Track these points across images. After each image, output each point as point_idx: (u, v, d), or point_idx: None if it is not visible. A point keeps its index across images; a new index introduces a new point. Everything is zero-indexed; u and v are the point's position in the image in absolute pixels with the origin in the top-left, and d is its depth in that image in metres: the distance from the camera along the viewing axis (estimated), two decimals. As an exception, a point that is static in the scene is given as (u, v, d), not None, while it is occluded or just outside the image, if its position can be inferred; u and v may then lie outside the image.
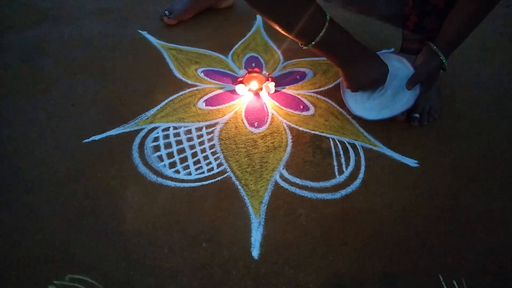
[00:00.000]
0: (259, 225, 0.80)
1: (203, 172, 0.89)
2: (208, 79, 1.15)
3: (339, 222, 0.80)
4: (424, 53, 0.94)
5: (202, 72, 1.18)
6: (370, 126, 1.00)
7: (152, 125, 1.00)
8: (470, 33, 0.90)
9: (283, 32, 0.86)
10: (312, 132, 0.99)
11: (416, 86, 0.93)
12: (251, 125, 1.00)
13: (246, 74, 1.12)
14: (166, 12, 1.38)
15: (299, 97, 1.09)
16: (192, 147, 0.95)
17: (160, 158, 0.92)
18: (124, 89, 1.12)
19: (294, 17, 0.81)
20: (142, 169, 0.90)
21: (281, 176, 0.89)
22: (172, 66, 1.20)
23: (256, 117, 1.03)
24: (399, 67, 0.98)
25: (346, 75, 0.95)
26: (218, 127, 1.00)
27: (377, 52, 1.03)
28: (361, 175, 0.89)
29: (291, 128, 1.00)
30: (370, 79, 0.94)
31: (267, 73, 1.13)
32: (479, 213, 0.82)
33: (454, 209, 0.83)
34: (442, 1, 0.88)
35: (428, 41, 0.92)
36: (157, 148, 0.94)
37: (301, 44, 0.89)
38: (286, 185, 0.87)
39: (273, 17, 0.82)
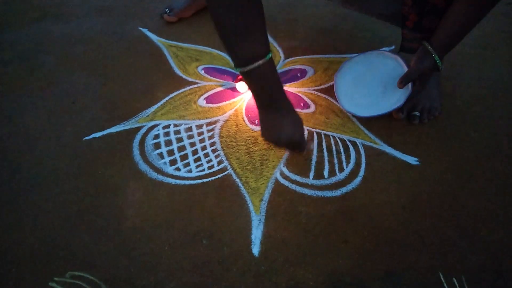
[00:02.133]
0: (259, 222, 0.80)
1: (203, 170, 0.89)
2: (209, 76, 1.15)
3: (340, 219, 0.80)
4: (418, 52, 0.93)
5: (202, 69, 1.18)
6: (371, 124, 1.00)
7: (153, 123, 1.00)
8: (466, 35, 0.89)
9: (222, 41, 0.77)
10: (313, 129, 0.99)
11: (408, 85, 0.93)
12: (252, 122, 1.00)
13: (246, 71, 1.12)
14: (167, 10, 1.38)
15: (300, 94, 1.09)
16: (192, 144, 0.95)
17: (161, 155, 0.92)
18: (125, 86, 1.12)
19: (239, 34, 0.73)
20: (143, 166, 0.90)
21: (282, 174, 0.89)
22: (172, 63, 1.20)
23: (257, 114, 1.02)
24: (393, 66, 0.98)
25: (261, 120, 0.86)
26: (218, 125, 1.00)
27: (377, 50, 1.03)
28: (361, 173, 0.89)
29: (291, 126, 1.00)
30: (278, 136, 0.83)
31: (268, 71, 1.12)
32: (479, 211, 0.82)
33: (454, 207, 0.83)
34: (442, 0, 0.87)
35: (423, 41, 0.92)
36: (157, 146, 0.94)
37: (232, 63, 0.80)
38: (286, 183, 0.87)
39: (222, 21, 0.73)
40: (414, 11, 0.93)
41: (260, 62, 0.74)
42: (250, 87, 0.82)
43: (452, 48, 0.92)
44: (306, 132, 0.98)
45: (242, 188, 0.86)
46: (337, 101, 1.05)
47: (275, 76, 0.80)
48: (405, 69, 0.95)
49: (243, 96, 1.08)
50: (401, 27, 0.98)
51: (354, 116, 1.02)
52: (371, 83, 1.01)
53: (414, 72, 0.92)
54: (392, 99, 0.97)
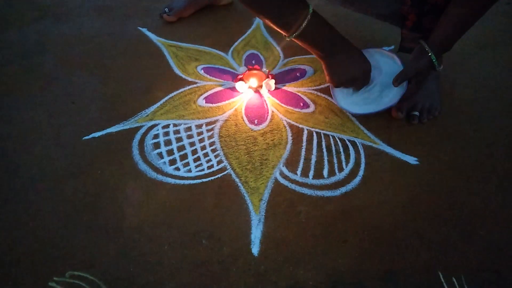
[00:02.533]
0: (259, 222, 0.80)
1: (203, 170, 0.89)
2: (208, 76, 1.15)
3: (339, 219, 0.80)
4: (415, 51, 0.93)
5: (202, 69, 1.18)
6: (370, 123, 1.00)
7: (152, 122, 1.00)
8: (463, 34, 0.90)
9: (266, 22, 0.87)
10: (312, 129, 0.99)
11: (403, 83, 0.93)
12: (251, 122, 1.00)
13: (246, 71, 1.12)
14: (166, 9, 1.38)
15: (299, 94, 1.09)
16: (192, 144, 0.95)
17: (160, 155, 0.92)
18: (124, 86, 1.12)
19: (277, 7, 0.82)
20: (142, 166, 0.90)
21: (281, 174, 0.89)
22: (172, 63, 1.20)
23: (256, 114, 1.03)
24: (389, 64, 0.99)
25: (328, 68, 0.94)
26: (218, 125, 1.00)
27: (374, 49, 1.04)
28: (361, 173, 0.89)
29: (291, 126, 1.00)
30: (351, 74, 0.93)
31: (267, 71, 1.13)
32: (479, 211, 0.82)
33: (453, 206, 0.83)
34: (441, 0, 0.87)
35: (421, 40, 0.92)
36: (157, 145, 0.94)
37: (284, 35, 0.89)
38: (286, 183, 0.87)
39: (256, 6, 0.83)
40: (413, 11, 0.93)
41: (309, 17, 0.83)
42: (309, 45, 0.89)
43: (449, 48, 0.92)
44: (305, 131, 0.98)
45: (241, 187, 0.86)
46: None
47: (326, 23, 0.88)
48: (401, 67, 0.95)
49: (243, 96, 1.08)
50: (401, 27, 0.98)
51: (349, 113, 1.02)
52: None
53: (410, 71, 0.92)
54: (387, 97, 0.97)
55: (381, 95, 0.98)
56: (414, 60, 0.92)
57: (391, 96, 0.96)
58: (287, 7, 0.82)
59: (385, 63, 0.99)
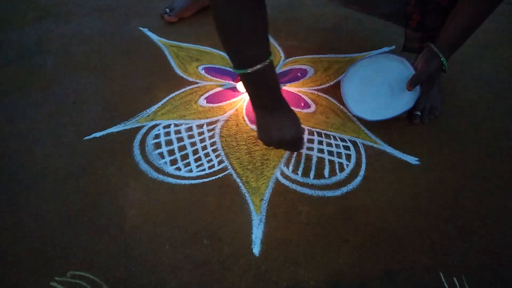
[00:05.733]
0: (260, 222, 0.80)
1: (204, 169, 0.89)
2: (209, 76, 1.15)
3: (340, 219, 0.80)
4: (424, 54, 0.93)
5: (203, 69, 1.18)
6: (371, 123, 1.00)
7: (153, 122, 1.00)
8: (471, 34, 0.90)
9: (221, 40, 0.76)
10: (313, 129, 0.99)
11: (416, 87, 0.93)
12: (252, 122, 1.00)
13: (247, 71, 1.12)
14: (167, 10, 1.38)
15: (300, 94, 1.09)
16: (193, 144, 0.95)
17: (161, 155, 0.92)
18: (125, 86, 1.12)
19: (241, 32, 0.73)
20: (143, 166, 0.90)
21: (282, 173, 0.89)
22: (173, 63, 1.20)
23: (257, 114, 1.03)
24: (400, 68, 0.98)
25: (259, 123, 0.84)
26: (219, 124, 1.00)
27: (379, 50, 1.03)
28: (362, 173, 0.89)
29: (292, 126, 1.00)
30: (280, 136, 0.82)
31: (268, 71, 1.12)
32: (480, 211, 0.82)
33: (454, 207, 0.83)
34: None
35: (428, 42, 0.92)
36: (158, 145, 0.94)
37: (232, 65, 0.79)
38: (287, 182, 0.87)
39: (223, 20, 0.73)
40: (417, 10, 0.92)
41: (262, 64, 0.74)
42: (249, 89, 0.81)
43: (457, 49, 0.92)
44: (306, 132, 0.98)
45: (242, 187, 0.86)
46: (339, 102, 1.05)
47: (275, 78, 0.79)
48: (412, 71, 0.95)
49: (244, 96, 1.08)
50: (404, 27, 0.98)
51: (363, 120, 1.01)
52: (379, 87, 1.01)
53: (423, 75, 0.92)
54: (401, 102, 0.96)
55: (395, 100, 0.98)
56: (425, 64, 0.92)
57: (406, 101, 0.96)
58: (253, 39, 0.73)
59: (394, 67, 0.99)
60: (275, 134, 0.82)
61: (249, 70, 0.74)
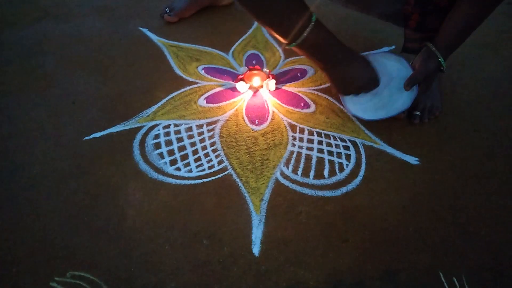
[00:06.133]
0: (259, 222, 0.80)
1: (204, 170, 0.89)
2: (209, 76, 1.15)
3: (340, 219, 0.80)
4: (422, 54, 0.93)
5: (202, 69, 1.18)
6: (371, 123, 1.00)
7: (153, 123, 1.00)
8: (470, 35, 0.89)
9: (266, 28, 0.84)
10: (313, 129, 0.99)
11: (413, 87, 0.93)
12: (252, 122, 1.01)
13: (246, 71, 1.12)
14: (167, 10, 1.38)
15: (300, 94, 1.09)
16: (193, 144, 0.95)
17: (161, 155, 0.92)
18: (125, 86, 1.12)
19: (278, 13, 0.78)
20: (143, 166, 0.90)
21: (282, 174, 0.89)
22: (172, 63, 1.20)
23: (257, 114, 1.03)
24: (398, 68, 0.98)
25: (333, 79, 0.91)
26: (219, 125, 1.00)
27: (379, 50, 1.03)
28: (361, 173, 0.89)
29: (291, 126, 1.00)
30: (357, 83, 0.90)
31: (268, 71, 1.13)
32: (480, 210, 0.82)
33: (454, 206, 0.83)
34: None
35: (427, 42, 0.92)
36: (158, 146, 0.94)
37: (285, 43, 0.84)
38: (286, 183, 0.87)
39: (256, 10, 0.80)
40: (416, 11, 0.92)
41: (312, 25, 0.79)
42: (311, 54, 0.86)
43: (455, 49, 0.92)
44: (306, 131, 0.98)
45: (242, 188, 0.86)
46: (338, 102, 1.05)
47: (328, 32, 0.84)
48: (410, 70, 0.95)
49: (243, 96, 1.08)
50: (404, 27, 0.98)
51: (352, 115, 1.02)
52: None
53: (420, 75, 0.91)
54: (398, 102, 0.96)
55: (392, 99, 0.97)
56: (423, 64, 0.92)
57: (403, 101, 0.96)
58: (290, 14, 0.78)
59: (392, 66, 0.99)
60: (351, 83, 0.90)
61: (303, 36, 0.79)
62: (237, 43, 1.29)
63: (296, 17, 0.78)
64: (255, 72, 1.11)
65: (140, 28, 1.36)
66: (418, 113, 1.00)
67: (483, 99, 1.08)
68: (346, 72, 0.89)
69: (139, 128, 0.99)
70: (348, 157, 0.93)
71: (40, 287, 0.70)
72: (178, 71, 1.17)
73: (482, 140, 0.97)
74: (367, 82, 0.92)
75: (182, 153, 0.93)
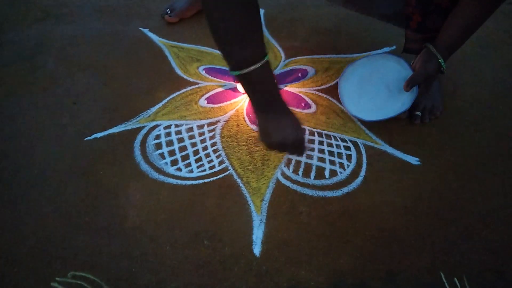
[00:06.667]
0: (260, 222, 0.80)
1: (204, 170, 0.89)
2: (210, 77, 1.15)
3: (341, 219, 0.80)
4: (423, 55, 0.93)
5: (203, 70, 1.18)
6: (372, 124, 1.00)
7: (154, 123, 1.00)
8: (470, 36, 0.89)
9: (216, 43, 0.74)
10: (314, 129, 0.99)
11: (413, 88, 0.93)
12: (253, 123, 1.01)
13: (247, 72, 1.12)
14: (168, 10, 1.38)
15: (301, 95, 1.09)
16: (193, 144, 0.95)
17: (162, 155, 0.92)
18: (126, 87, 1.12)
19: (235, 34, 0.70)
20: (144, 166, 0.90)
21: (283, 174, 0.89)
22: (173, 64, 1.20)
23: (258, 115, 1.03)
24: (398, 69, 0.98)
25: (260, 125, 0.82)
26: (219, 125, 1.00)
27: (379, 51, 1.03)
28: (362, 173, 0.89)
29: (292, 126, 1.00)
30: (281, 139, 0.79)
31: (269, 71, 1.13)
32: (481, 211, 0.82)
33: (455, 207, 0.83)
34: (445, 0, 0.87)
35: (427, 43, 0.92)
36: (158, 146, 0.94)
37: (228, 67, 0.76)
38: (287, 183, 0.87)
39: (216, 21, 0.70)
40: (417, 11, 0.92)
41: (258, 64, 0.72)
42: (247, 91, 0.79)
43: (456, 50, 0.92)
44: (306, 132, 0.98)
45: (243, 188, 0.86)
46: (339, 103, 1.05)
47: (272, 79, 0.77)
48: (409, 71, 0.95)
49: (244, 97, 1.08)
50: (405, 28, 0.98)
51: (360, 120, 1.01)
52: (376, 87, 1.01)
53: (420, 76, 0.91)
54: (398, 102, 0.96)
55: (391, 100, 0.97)
56: (423, 65, 0.91)
57: (403, 101, 0.96)
58: (246, 41, 0.71)
59: (392, 67, 0.99)
60: (275, 137, 0.79)
61: (245, 71, 0.72)
62: (237, 44, 1.29)
63: (251, 47, 0.72)
64: (256, 72, 1.11)
65: (141, 28, 1.36)
66: (419, 113, 1.00)
67: (483, 99, 1.08)
68: (275, 124, 0.79)
69: (140, 129, 0.99)
70: (349, 157, 0.93)
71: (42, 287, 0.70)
72: (179, 72, 1.17)
73: (483, 140, 0.97)
74: (292, 142, 0.80)
75: (183, 153, 0.93)
